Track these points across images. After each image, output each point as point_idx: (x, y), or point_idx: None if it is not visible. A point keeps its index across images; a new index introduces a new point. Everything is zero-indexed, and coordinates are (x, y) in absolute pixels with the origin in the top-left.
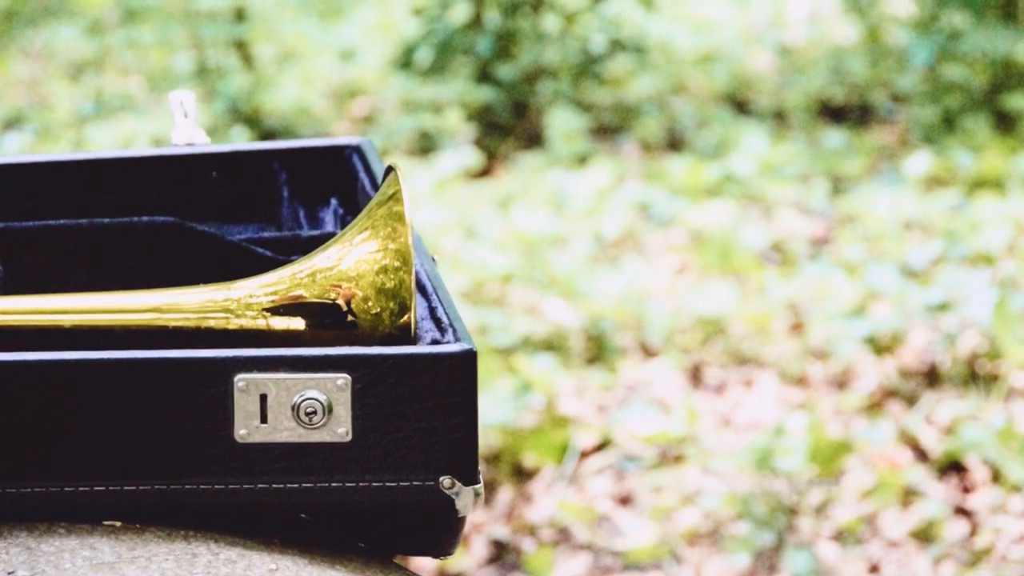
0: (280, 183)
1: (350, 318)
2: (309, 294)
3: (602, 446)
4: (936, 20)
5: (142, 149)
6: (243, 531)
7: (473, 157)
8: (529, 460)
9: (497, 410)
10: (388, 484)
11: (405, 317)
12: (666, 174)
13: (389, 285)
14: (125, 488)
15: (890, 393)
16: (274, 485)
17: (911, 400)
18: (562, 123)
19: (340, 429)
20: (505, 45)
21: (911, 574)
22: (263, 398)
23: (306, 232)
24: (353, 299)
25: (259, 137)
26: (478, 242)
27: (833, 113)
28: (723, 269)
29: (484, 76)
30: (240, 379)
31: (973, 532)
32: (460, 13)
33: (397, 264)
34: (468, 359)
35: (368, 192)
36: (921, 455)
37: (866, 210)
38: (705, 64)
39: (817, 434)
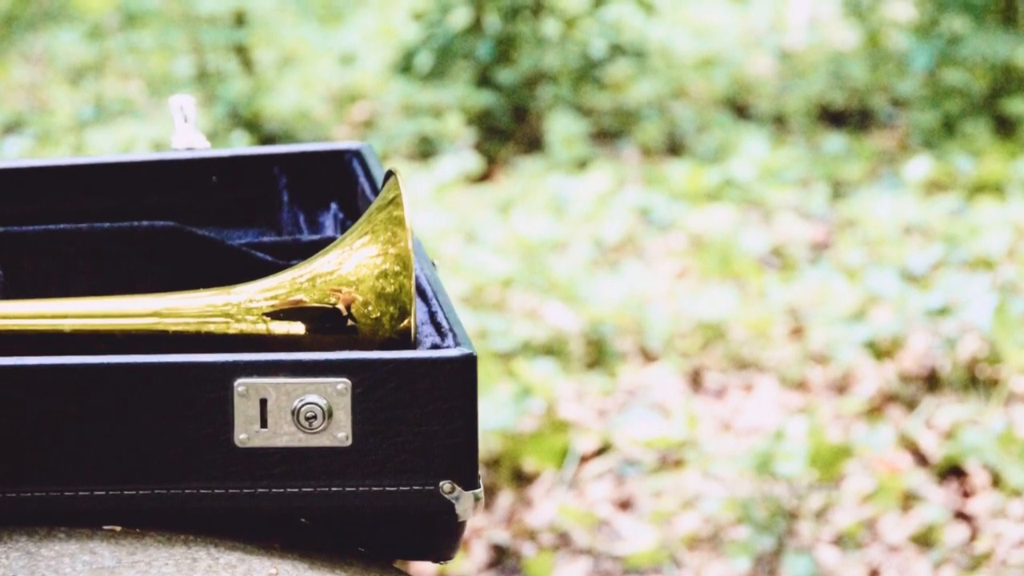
0: (280, 187)
1: (350, 322)
2: (309, 298)
3: (602, 450)
4: (936, 24)
5: (142, 153)
6: (243, 536)
7: (473, 161)
8: (529, 465)
9: (497, 414)
10: (388, 488)
11: (405, 322)
12: (666, 179)
13: (389, 289)
14: (125, 492)
15: (890, 398)
16: (274, 490)
17: (911, 404)
18: (562, 128)
19: (340, 433)
20: (505, 50)
21: None
22: (263, 402)
23: (306, 236)
24: (353, 303)
25: (259, 142)
26: (478, 246)
27: (833, 117)
28: (723, 273)
29: (484, 80)
30: (240, 383)
31: (973, 536)
32: (460, 18)
33: (397, 268)
34: (468, 364)
35: (368, 197)
36: (921, 459)
37: (866, 214)
38: (705, 68)
39: (817, 438)
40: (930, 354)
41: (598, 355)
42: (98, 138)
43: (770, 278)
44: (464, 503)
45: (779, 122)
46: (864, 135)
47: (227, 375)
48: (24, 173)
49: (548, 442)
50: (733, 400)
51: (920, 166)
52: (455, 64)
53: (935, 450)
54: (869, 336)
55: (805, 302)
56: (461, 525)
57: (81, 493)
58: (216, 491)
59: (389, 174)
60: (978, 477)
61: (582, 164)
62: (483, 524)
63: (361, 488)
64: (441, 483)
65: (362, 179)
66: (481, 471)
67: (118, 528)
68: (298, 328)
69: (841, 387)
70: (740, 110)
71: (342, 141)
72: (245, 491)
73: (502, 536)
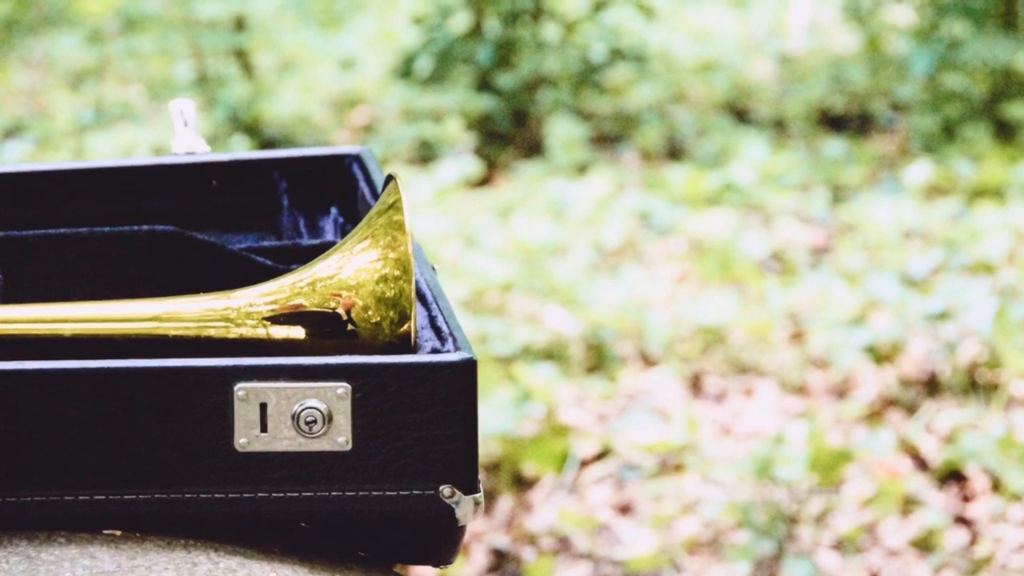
0: (280, 192)
1: (350, 327)
2: (309, 303)
3: (602, 455)
4: (936, 29)
5: (142, 158)
6: (243, 540)
7: (473, 166)
8: (529, 469)
9: (497, 419)
10: (388, 493)
11: (405, 326)
12: (666, 183)
13: (389, 294)
14: (125, 497)
15: (890, 402)
16: (274, 494)
17: (911, 409)
18: (562, 132)
19: (340, 438)
20: (505, 54)
21: None
22: (263, 407)
23: (306, 241)
24: (353, 308)
25: (259, 146)
26: (478, 251)
27: (833, 122)
28: (723, 278)
29: (484, 85)
30: (240, 388)
31: (973, 541)
32: (460, 22)
33: (397, 273)
34: (468, 368)
35: (368, 201)
36: (921, 464)
37: (866, 219)
38: (705, 73)
39: (817, 443)
40: (930, 358)
41: (598, 359)
42: (98, 142)
43: (770, 282)
44: (464, 507)
45: (779, 126)
46: (864, 139)
47: (227, 379)
48: (24, 178)
49: (548, 446)
50: (733, 404)
51: (920, 170)
52: (455, 68)
53: (935, 454)
54: (869, 340)
55: (805, 306)
56: (461, 529)
57: (81, 498)
58: (216, 495)
59: (389, 178)
60: (978, 481)
61: (582, 168)
62: (483, 528)
63: (361, 492)
64: (441, 487)
65: (362, 184)
66: (481, 475)
67: (118, 532)
68: (298, 332)
69: (841, 391)
70: (740, 114)
71: (342, 146)
72: (245, 496)
73: (502, 540)
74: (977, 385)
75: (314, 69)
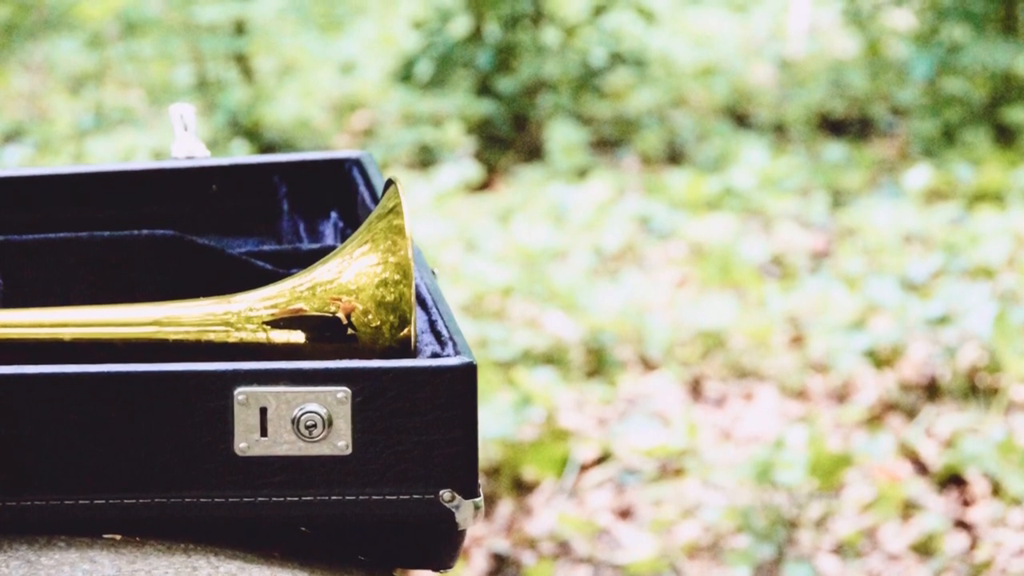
0: (280, 196)
1: (350, 331)
2: (309, 307)
3: (602, 459)
4: (936, 33)
5: (142, 162)
6: (243, 544)
7: (473, 170)
8: (529, 473)
9: (497, 423)
10: (388, 497)
11: (405, 330)
12: (666, 187)
13: (389, 298)
14: (125, 501)
15: (890, 406)
16: (274, 498)
17: (911, 413)
18: (562, 136)
19: (340, 442)
20: (505, 58)
21: None
22: (263, 411)
23: (306, 245)
24: (353, 312)
25: (259, 150)
26: (478, 255)
27: (833, 126)
28: (723, 282)
29: (484, 89)
30: (240, 392)
31: (973, 545)
32: (460, 26)
33: (397, 277)
34: (468, 372)
35: (368, 205)
36: (921, 468)
37: (866, 223)
38: (705, 77)
39: (817, 447)
40: (930, 363)
41: (598, 364)
42: (98, 147)
43: (770, 287)
44: (464, 512)
45: (779, 131)
46: (864, 144)
47: (227, 384)
48: (24, 182)
49: (548, 451)
50: (733, 409)
51: (920, 175)
52: (455, 73)
53: (935, 459)
54: (869, 345)
55: (805, 311)
56: (461, 534)
57: (81, 502)
58: (216, 500)
59: (389, 183)
60: (978, 486)
61: (582, 173)
62: (483, 533)
63: (361, 497)
64: (441, 492)
65: (362, 188)
66: (481, 480)
67: (118, 537)
68: (298, 337)
69: (841, 396)
70: (740, 119)
71: (342, 150)
72: (245, 500)
73: (502, 545)
74: (977, 389)
75: (314, 73)
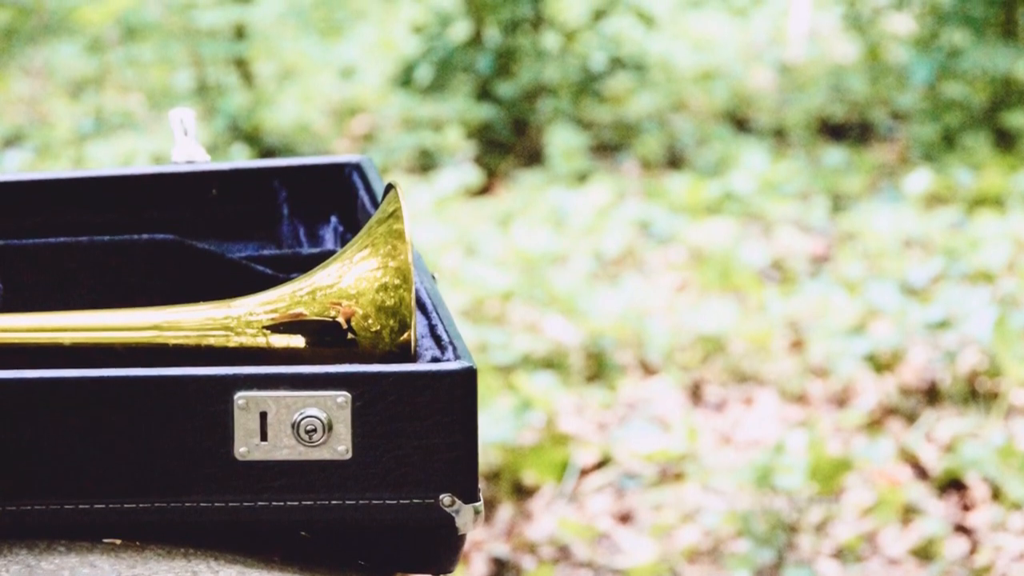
0: (280, 201)
1: (350, 336)
2: (309, 312)
3: (602, 464)
4: (936, 38)
5: (142, 167)
6: (243, 549)
7: (473, 175)
8: (529, 478)
9: (497, 428)
10: (388, 502)
11: (405, 335)
12: (666, 192)
13: (389, 303)
14: (125, 506)
15: (890, 411)
16: (274, 503)
17: (911, 418)
18: (562, 141)
19: (340, 447)
20: (505, 63)
21: None
22: (263, 416)
23: (306, 250)
24: (353, 317)
25: (259, 155)
26: (478, 260)
27: (833, 131)
28: (723, 287)
29: (484, 94)
30: (240, 397)
31: (973, 550)
32: (460, 31)
33: (397, 282)
34: (468, 377)
35: (368, 210)
36: (921, 473)
37: (866, 228)
38: (705, 82)
39: (817, 452)
40: (930, 367)
41: (598, 368)
42: (98, 151)
43: (770, 291)
44: (464, 516)
45: (779, 135)
46: (864, 148)
47: (227, 388)
48: (24, 186)
49: (548, 455)
50: (733, 413)
51: (920, 179)
52: (455, 77)
53: (935, 463)
54: (869, 349)
55: (805, 315)
56: (461, 538)
57: (81, 506)
58: (216, 504)
59: (389, 187)
60: (978, 490)
61: (582, 177)
62: (483, 537)
63: (361, 501)
64: (441, 496)
65: (362, 192)
66: (481, 484)
67: (118, 541)
68: (298, 341)
69: (841, 400)
70: (740, 123)
71: (342, 154)
72: (245, 504)
73: (502, 549)
74: (977, 394)
75: (314, 78)
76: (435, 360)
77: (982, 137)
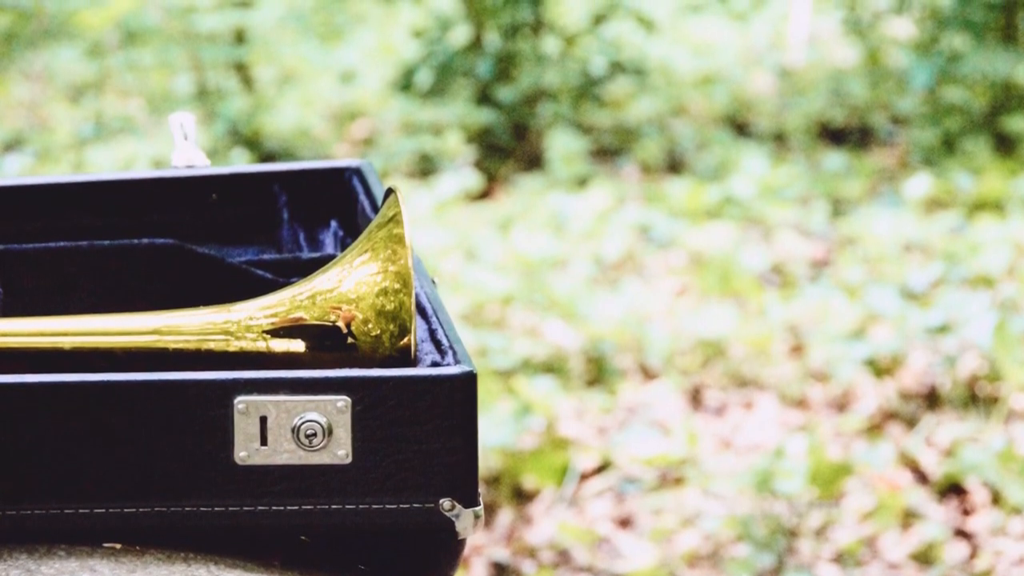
0: (280, 205)
1: (350, 340)
2: (309, 316)
3: (602, 468)
4: (936, 42)
5: (142, 171)
6: (243, 553)
7: (473, 179)
8: (529, 482)
9: (497, 432)
10: (388, 506)
11: (405, 339)
12: (666, 196)
13: (389, 307)
14: (125, 510)
15: (890, 415)
16: (274, 507)
17: (911, 422)
18: (562, 145)
19: (340, 451)
20: (505, 67)
21: None
22: (263, 420)
23: (306, 254)
24: (353, 321)
25: (259, 159)
26: (478, 264)
27: (833, 135)
28: (723, 291)
29: (484, 98)
30: (240, 401)
31: (973, 554)
32: (460, 35)
33: (397, 286)
34: (468, 381)
35: (368, 214)
36: (921, 477)
37: (866, 232)
38: (705, 86)
39: (817, 456)
40: (930, 372)
41: (598, 372)
42: (98, 156)
43: (770, 296)
44: (464, 521)
45: (779, 140)
46: (864, 153)
47: (227, 393)
48: (24, 191)
49: (548, 460)
50: (733, 418)
51: (920, 184)
52: (455, 82)
53: (935, 468)
54: (869, 354)
55: (805, 319)
56: (461, 543)
57: (81, 511)
58: (216, 509)
59: (389, 192)
60: (978, 495)
61: (582, 181)
62: (483, 542)
63: (361, 506)
64: (441, 501)
65: (362, 197)
66: (481, 489)
67: (118, 546)
68: (298, 346)
69: (841, 405)
70: (740, 128)
71: (342, 159)
72: (245, 509)
73: (502, 554)
74: (977, 398)
75: (314, 82)
76: (435, 365)
77: (982, 141)
